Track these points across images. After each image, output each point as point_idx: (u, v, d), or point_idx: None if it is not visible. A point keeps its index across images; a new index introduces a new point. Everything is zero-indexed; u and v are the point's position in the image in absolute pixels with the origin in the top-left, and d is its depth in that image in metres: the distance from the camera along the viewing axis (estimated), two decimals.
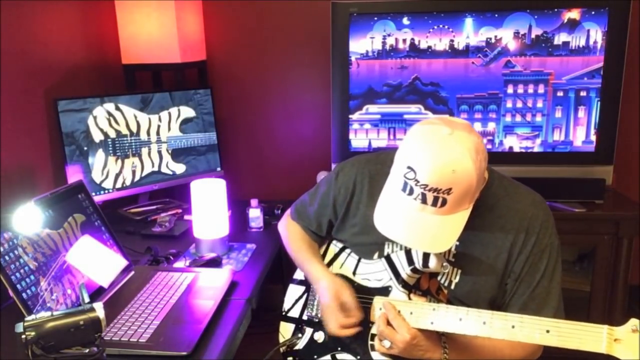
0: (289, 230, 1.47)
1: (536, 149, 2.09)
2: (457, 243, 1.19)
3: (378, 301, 1.20)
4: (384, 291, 1.22)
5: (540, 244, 1.16)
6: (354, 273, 1.29)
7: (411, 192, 1.05)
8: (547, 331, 1.01)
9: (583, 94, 2.02)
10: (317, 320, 1.32)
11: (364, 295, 1.25)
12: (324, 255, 1.40)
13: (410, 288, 1.21)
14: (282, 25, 2.36)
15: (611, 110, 2.00)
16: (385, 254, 1.26)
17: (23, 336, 0.90)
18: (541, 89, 2.04)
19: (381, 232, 1.11)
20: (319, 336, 1.29)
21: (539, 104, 2.06)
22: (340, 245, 1.36)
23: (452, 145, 1.03)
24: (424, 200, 1.04)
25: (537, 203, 1.20)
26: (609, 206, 2.03)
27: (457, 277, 1.20)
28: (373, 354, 1.20)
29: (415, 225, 1.06)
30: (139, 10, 2.11)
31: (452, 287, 1.20)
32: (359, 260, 1.30)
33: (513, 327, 1.04)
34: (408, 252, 1.20)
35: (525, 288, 1.17)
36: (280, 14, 2.34)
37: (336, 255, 1.35)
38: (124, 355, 1.13)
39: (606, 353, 0.96)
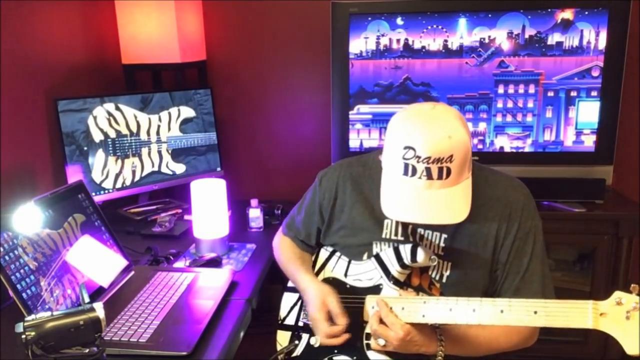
0: (280, 246, 1.49)
1: (527, 149, 2.09)
2: (445, 236, 1.20)
3: (370, 299, 1.20)
4: (376, 290, 1.23)
5: (523, 228, 1.18)
6: (345, 275, 1.30)
7: (414, 172, 1.06)
8: (535, 312, 1.01)
9: (573, 94, 2.03)
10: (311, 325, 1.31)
11: (357, 295, 1.25)
12: (315, 262, 1.40)
13: (402, 285, 1.21)
14: (282, 25, 2.36)
15: (611, 110, 2.00)
16: (374, 253, 1.26)
17: (23, 336, 0.90)
18: (532, 89, 2.04)
19: (397, 219, 1.14)
20: (315, 340, 1.28)
21: (530, 104, 2.06)
22: (330, 249, 1.36)
23: (440, 115, 1.08)
24: (429, 176, 1.06)
25: (516, 188, 1.22)
26: (609, 206, 2.03)
27: (448, 270, 1.21)
28: (369, 354, 1.20)
29: (428, 203, 1.08)
30: (139, 10, 2.11)
31: (444, 280, 1.21)
32: (349, 262, 1.30)
33: (502, 311, 1.04)
34: (396, 249, 1.20)
35: (515, 273, 1.18)
36: (280, 14, 2.34)
37: (327, 260, 1.36)
38: (124, 355, 1.13)
39: (593, 328, 0.96)
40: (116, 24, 2.17)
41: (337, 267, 1.32)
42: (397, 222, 1.25)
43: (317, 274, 1.36)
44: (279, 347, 1.38)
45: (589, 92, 2.01)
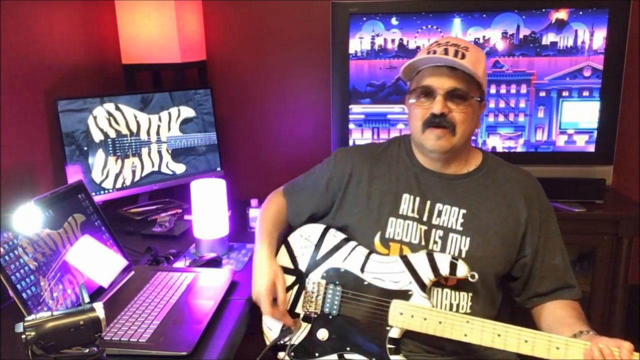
0: (271, 200, 1.50)
1: (519, 149, 2.09)
2: (465, 211, 1.24)
3: (397, 306, 1.17)
4: (404, 295, 1.19)
5: (544, 210, 1.27)
6: (362, 270, 1.25)
7: (434, 54, 1.22)
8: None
9: (565, 94, 2.03)
10: (315, 316, 1.27)
11: (378, 297, 1.21)
12: (319, 246, 1.33)
13: (426, 289, 1.19)
14: (282, 25, 2.36)
15: (611, 110, 2.00)
16: (387, 234, 1.26)
17: (23, 336, 0.90)
18: (523, 89, 2.04)
19: (418, 59, 1.24)
20: (323, 334, 1.25)
21: (522, 104, 2.06)
22: (340, 236, 1.32)
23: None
24: (445, 53, 1.20)
25: (528, 174, 1.32)
26: (609, 206, 2.03)
27: (467, 245, 1.22)
28: (393, 358, 1.18)
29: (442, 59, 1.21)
30: (139, 10, 2.11)
31: (463, 255, 1.22)
32: (367, 256, 1.26)
33: (558, 348, 1.05)
34: (430, 257, 1.19)
35: (553, 253, 1.25)
36: (280, 14, 2.34)
37: (336, 247, 1.31)
38: (124, 355, 1.13)
39: None
40: (116, 24, 2.17)
41: (350, 259, 1.28)
42: (414, 199, 1.28)
43: (323, 261, 1.31)
44: (267, 332, 1.33)
45: (581, 92, 2.02)
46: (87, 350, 0.95)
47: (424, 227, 1.26)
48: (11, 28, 1.66)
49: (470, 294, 1.22)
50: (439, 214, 1.26)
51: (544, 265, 1.25)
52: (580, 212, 1.98)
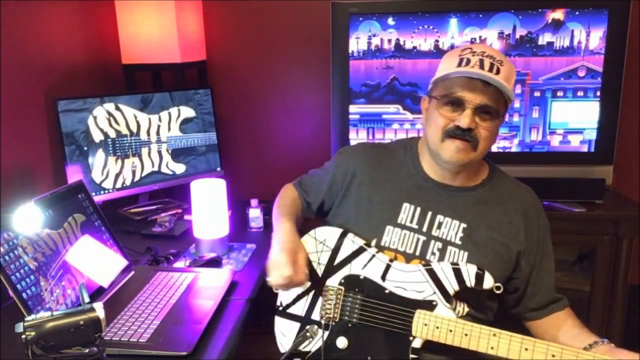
0: (284, 192, 1.50)
1: (514, 149, 2.09)
2: (465, 225, 1.23)
3: (422, 316, 1.16)
4: (427, 305, 1.17)
5: (542, 229, 1.26)
6: (383, 279, 1.22)
7: (468, 62, 1.15)
8: None
9: (560, 94, 2.03)
10: (333, 324, 1.23)
11: (400, 306, 1.19)
12: (336, 251, 1.28)
13: (451, 300, 1.17)
14: (282, 25, 2.36)
15: (611, 110, 2.00)
16: (383, 242, 1.24)
17: (23, 336, 0.90)
18: (518, 89, 2.04)
19: (444, 72, 1.17)
20: (343, 343, 1.21)
21: (516, 104, 2.06)
22: (360, 242, 1.26)
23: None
24: (481, 66, 1.13)
25: (530, 191, 1.31)
26: (609, 206, 2.03)
27: (464, 259, 1.21)
28: None
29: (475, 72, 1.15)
30: (139, 10, 2.11)
31: None
32: (388, 265, 1.22)
33: None
34: (456, 269, 1.17)
35: (547, 274, 1.27)
36: (280, 14, 2.34)
37: (355, 254, 1.26)
38: (124, 355, 1.13)
39: None
40: (116, 24, 2.17)
41: (370, 267, 1.23)
42: (415, 209, 1.26)
43: (341, 267, 1.26)
44: (279, 337, 1.30)
45: (575, 92, 2.01)
46: (87, 350, 0.95)
47: (423, 238, 1.24)
48: (11, 28, 1.66)
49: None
50: (439, 225, 1.24)
51: (537, 283, 1.26)
52: (580, 212, 1.98)
